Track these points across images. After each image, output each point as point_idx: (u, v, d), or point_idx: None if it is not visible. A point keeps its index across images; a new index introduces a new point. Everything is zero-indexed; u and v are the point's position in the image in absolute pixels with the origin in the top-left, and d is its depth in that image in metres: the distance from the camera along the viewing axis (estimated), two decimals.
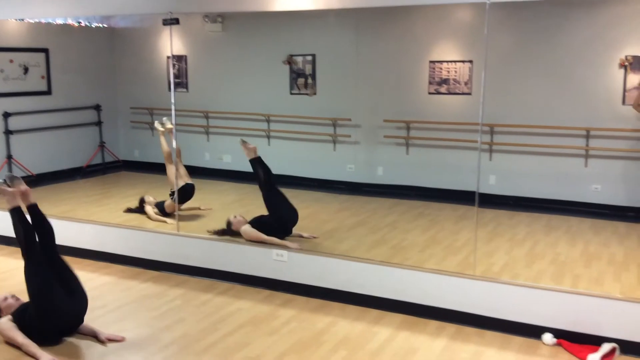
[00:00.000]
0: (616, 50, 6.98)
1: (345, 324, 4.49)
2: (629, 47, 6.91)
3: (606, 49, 7.02)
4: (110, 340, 4.16)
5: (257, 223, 5.76)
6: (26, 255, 4.15)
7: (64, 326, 4.12)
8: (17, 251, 6.11)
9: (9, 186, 4.34)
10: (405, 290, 4.69)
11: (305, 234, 5.96)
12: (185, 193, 6.70)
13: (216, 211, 7.03)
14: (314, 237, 5.94)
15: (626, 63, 6.93)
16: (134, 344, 4.15)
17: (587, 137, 7.23)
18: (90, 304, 4.35)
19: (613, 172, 7.17)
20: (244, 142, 6.18)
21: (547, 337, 4.19)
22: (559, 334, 4.19)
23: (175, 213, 6.20)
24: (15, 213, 4.25)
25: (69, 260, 5.85)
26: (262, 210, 5.96)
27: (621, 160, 7.13)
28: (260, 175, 5.98)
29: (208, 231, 5.91)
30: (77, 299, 4.13)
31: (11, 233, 6.32)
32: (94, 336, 4.18)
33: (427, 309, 4.60)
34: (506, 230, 6.36)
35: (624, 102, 7.01)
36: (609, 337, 4.06)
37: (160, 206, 6.79)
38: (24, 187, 4.35)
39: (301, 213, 6.50)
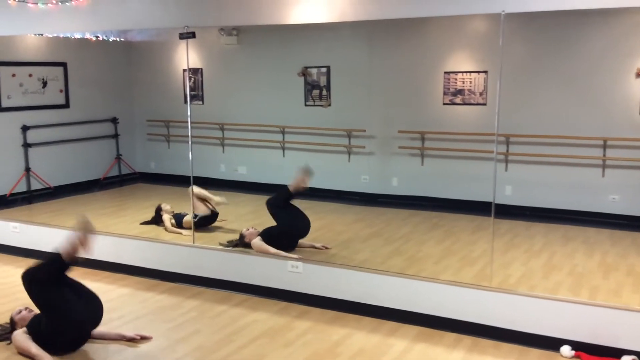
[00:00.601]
0: (633, 59, 6.93)
1: (360, 336, 4.47)
2: None
3: (623, 59, 6.98)
4: (141, 337, 4.30)
5: (266, 235, 5.79)
6: (30, 280, 4.01)
7: (79, 335, 4.15)
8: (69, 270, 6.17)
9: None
10: (421, 302, 4.67)
11: (317, 245, 5.97)
12: (209, 220, 6.76)
13: (231, 222, 7.06)
14: (327, 248, 5.94)
15: None
16: (150, 355, 4.16)
17: (604, 147, 7.17)
18: (107, 315, 4.38)
19: (631, 182, 7.10)
20: (305, 172, 6.12)
21: (566, 350, 4.14)
22: (577, 346, 4.14)
23: (192, 226, 6.23)
24: (61, 264, 3.99)
25: (87, 272, 5.94)
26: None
27: (639, 170, 7.06)
28: (280, 201, 5.96)
29: (220, 243, 5.94)
30: (92, 305, 4.14)
31: (28, 245, 6.43)
32: (122, 339, 4.28)
33: (443, 321, 4.57)
34: (523, 241, 6.32)
35: None
36: (629, 349, 4.00)
37: (178, 219, 6.83)
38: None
39: (316, 224, 6.50)
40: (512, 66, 7.27)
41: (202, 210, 6.70)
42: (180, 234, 6.59)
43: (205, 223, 6.73)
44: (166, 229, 6.75)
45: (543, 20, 7.23)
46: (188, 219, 6.70)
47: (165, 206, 7.00)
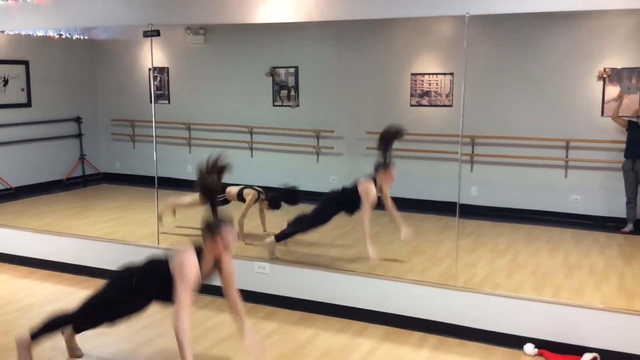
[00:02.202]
0: (595, 62, 7.08)
1: (327, 337, 4.46)
2: (607, 59, 7.02)
3: (585, 61, 7.12)
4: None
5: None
6: None
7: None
8: (30, 272, 5.99)
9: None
10: (388, 301, 4.68)
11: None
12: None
13: (196, 224, 6.94)
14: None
15: (605, 75, 7.04)
16: (113, 359, 4.09)
17: (567, 148, 7.31)
18: None
19: (593, 182, 7.25)
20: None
21: (529, 348, 4.20)
22: (540, 344, 4.20)
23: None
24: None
25: (48, 274, 5.81)
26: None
27: (601, 171, 7.22)
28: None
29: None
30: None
31: (25, 253, 6.19)
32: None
33: (410, 320, 4.59)
34: (488, 241, 6.39)
35: (602, 114, 7.11)
36: (590, 346, 4.08)
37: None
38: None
39: (283, 225, 6.49)
40: (478, 68, 7.35)
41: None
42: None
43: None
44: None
45: (507, 23, 7.34)
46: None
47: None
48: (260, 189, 6.27)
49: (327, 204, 5.68)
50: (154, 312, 4.91)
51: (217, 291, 5.27)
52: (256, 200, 6.19)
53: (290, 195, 6.12)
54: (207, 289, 5.29)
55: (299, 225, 5.65)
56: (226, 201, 6.29)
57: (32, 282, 5.65)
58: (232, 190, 6.31)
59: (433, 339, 4.43)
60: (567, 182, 7.37)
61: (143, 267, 3.69)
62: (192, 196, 6.39)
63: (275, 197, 6.15)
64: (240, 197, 6.23)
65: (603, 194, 7.20)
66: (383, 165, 5.49)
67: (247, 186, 6.30)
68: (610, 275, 5.31)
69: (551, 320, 4.20)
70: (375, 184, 5.47)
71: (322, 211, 5.65)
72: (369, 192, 5.38)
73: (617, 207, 7.05)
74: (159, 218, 6.30)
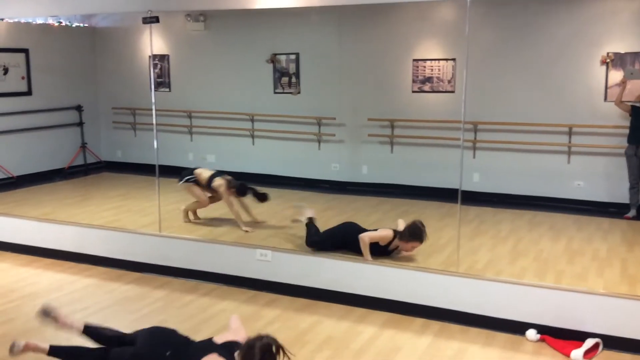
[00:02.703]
0: (598, 47, 7.02)
1: (329, 323, 4.46)
2: (610, 44, 6.96)
3: (588, 46, 7.06)
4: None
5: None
6: None
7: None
8: (32, 260, 5.96)
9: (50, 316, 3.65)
10: (390, 288, 4.68)
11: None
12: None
13: (199, 212, 6.95)
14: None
15: (608, 60, 6.98)
16: None
17: (570, 134, 7.27)
18: (72, 306, 4.29)
19: (595, 168, 7.22)
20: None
21: (531, 333, 4.20)
22: (542, 329, 4.20)
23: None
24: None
25: (51, 262, 5.82)
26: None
27: (603, 156, 7.18)
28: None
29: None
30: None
31: (26, 241, 6.17)
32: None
33: (412, 307, 4.59)
34: (490, 228, 6.38)
35: (605, 99, 7.06)
36: (593, 332, 4.08)
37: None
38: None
39: (285, 212, 6.49)
40: (480, 54, 7.30)
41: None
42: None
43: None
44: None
45: (509, 8, 7.28)
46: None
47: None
48: (229, 177, 6.38)
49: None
50: (156, 299, 4.92)
51: (218, 279, 5.29)
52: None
53: (260, 196, 6.34)
54: (208, 277, 5.31)
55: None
56: (197, 182, 6.40)
57: (34, 270, 5.66)
58: (203, 174, 6.43)
59: (435, 325, 4.43)
60: (570, 167, 7.34)
61: (181, 346, 3.50)
62: (197, 196, 6.47)
63: (242, 184, 6.29)
64: (209, 184, 6.34)
65: (606, 180, 7.17)
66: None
67: (217, 173, 6.41)
68: (613, 261, 5.29)
69: (553, 306, 4.20)
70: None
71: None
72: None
73: (620, 192, 7.02)
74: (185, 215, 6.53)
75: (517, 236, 6.06)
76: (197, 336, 4.19)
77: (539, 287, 4.32)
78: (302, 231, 5.84)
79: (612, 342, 4.02)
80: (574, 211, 7.03)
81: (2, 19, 8.31)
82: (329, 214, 6.97)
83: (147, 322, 4.45)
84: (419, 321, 4.49)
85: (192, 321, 4.49)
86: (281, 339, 4.19)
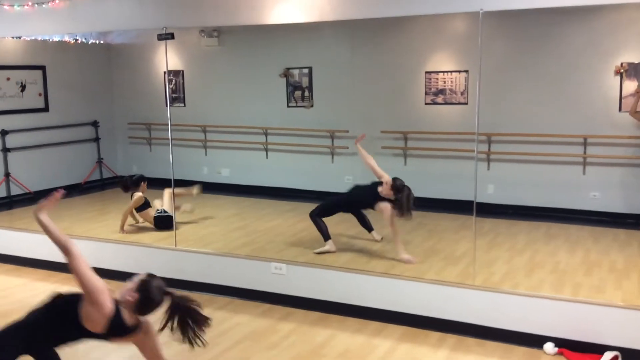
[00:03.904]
0: (612, 57, 6.99)
1: (345, 337, 4.45)
2: (624, 54, 6.93)
3: (602, 57, 7.03)
4: None
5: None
6: None
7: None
8: (17, 269, 6.10)
9: None
10: (406, 301, 4.66)
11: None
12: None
13: (214, 225, 7.00)
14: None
15: (622, 70, 6.94)
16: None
17: (585, 144, 7.22)
18: None
19: (611, 179, 7.16)
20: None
21: (549, 347, 4.16)
22: (560, 343, 4.16)
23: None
24: None
25: (66, 277, 5.85)
26: (259, 223, 5.91)
27: (619, 167, 7.12)
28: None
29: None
30: None
31: (7, 251, 6.32)
32: None
33: (428, 320, 4.57)
34: (505, 240, 6.34)
35: (620, 109, 7.02)
36: (611, 345, 4.03)
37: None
38: None
39: (299, 225, 6.50)
40: (493, 65, 7.29)
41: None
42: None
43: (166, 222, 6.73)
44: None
45: (522, 19, 7.27)
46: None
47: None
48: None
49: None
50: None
51: (233, 292, 5.30)
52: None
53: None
54: (222, 290, 5.32)
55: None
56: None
57: (50, 285, 5.71)
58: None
59: (452, 338, 4.40)
60: (586, 178, 7.28)
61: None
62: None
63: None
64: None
65: (622, 191, 7.10)
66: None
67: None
68: (630, 273, 5.23)
69: (571, 319, 4.16)
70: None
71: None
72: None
73: (636, 203, 6.95)
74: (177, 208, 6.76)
75: (533, 248, 6.02)
76: (213, 350, 4.20)
77: (557, 299, 4.29)
78: (317, 245, 5.85)
79: (631, 355, 3.97)
80: (590, 222, 6.97)
81: (20, 37, 8.45)
82: (343, 226, 6.97)
83: (163, 336, 4.46)
84: (435, 335, 4.47)
85: (207, 335, 4.48)
86: (297, 352, 4.21)
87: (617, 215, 7.08)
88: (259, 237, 6.39)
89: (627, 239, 6.32)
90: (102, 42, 9.98)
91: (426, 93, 7.99)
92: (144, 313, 3.06)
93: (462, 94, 7.78)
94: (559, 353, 4.12)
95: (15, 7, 6.20)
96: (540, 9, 4.91)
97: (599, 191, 7.22)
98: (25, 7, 6.14)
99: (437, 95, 7.93)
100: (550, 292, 4.69)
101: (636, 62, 6.89)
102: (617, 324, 4.05)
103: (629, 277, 5.14)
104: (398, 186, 5.47)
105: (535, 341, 4.22)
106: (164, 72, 9.46)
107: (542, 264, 5.52)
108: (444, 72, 7.85)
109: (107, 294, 3.01)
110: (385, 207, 5.55)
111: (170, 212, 6.61)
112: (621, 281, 5.03)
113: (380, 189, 5.62)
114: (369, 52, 8.20)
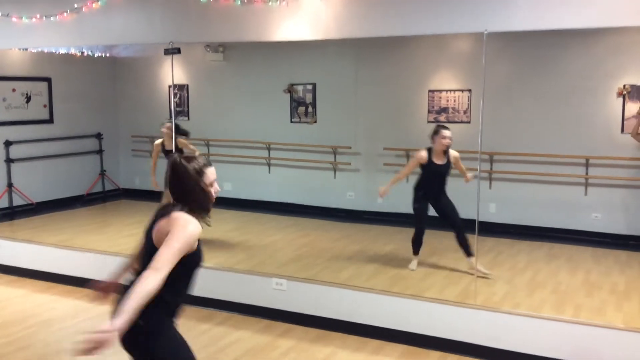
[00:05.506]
0: (614, 79, 7.02)
1: (345, 355, 4.44)
2: (626, 76, 6.96)
3: (604, 78, 7.07)
4: None
5: None
6: None
7: None
8: (17, 280, 6.11)
9: None
10: (406, 320, 4.65)
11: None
12: None
13: (215, 240, 6.99)
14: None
15: (624, 92, 6.98)
16: None
17: (587, 165, 7.24)
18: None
19: (613, 200, 7.16)
20: None
21: None
22: None
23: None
24: None
25: (68, 289, 5.86)
26: (261, 238, 5.92)
27: (621, 188, 7.13)
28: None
29: None
30: None
31: (9, 262, 6.32)
32: None
33: (428, 339, 4.55)
34: (507, 259, 6.33)
35: (622, 131, 7.04)
36: None
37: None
38: None
39: (301, 241, 6.49)
40: (496, 85, 7.33)
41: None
42: None
43: None
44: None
45: (526, 40, 7.31)
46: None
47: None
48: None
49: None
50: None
51: (233, 307, 5.29)
52: None
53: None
54: (223, 306, 5.31)
55: None
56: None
57: (51, 296, 5.70)
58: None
59: (452, 358, 4.39)
60: (587, 199, 7.29)
61: None
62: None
63: None
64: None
65: (624, 212, 7.10)
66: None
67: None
68: (631, 295, 5.22)
69: (571, 340, 4.14)
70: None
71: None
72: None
73: (638, 225, 6.95)
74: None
75: (534, 268, 6.01)
76: None
77: (557, 320, 4.27)
78: (318, 261, 5.84)
79: None
80: (592, 243, 6.96)
81: (26, 49, 8.51)
82: (344, 242, 6.97)
83: None
84: (436, 354, 4.45)
85: (206, 351, 4.48)
86: None
87: (619, 236, 7.07)
88: (259, 252, 6.39)
89: (628, 261, 6.31)
90: (107, 55, 10.05)
91: (429, 111, 8.03)
92: None
93: (464, 112, 7.81)
94: None
95: (24, 19, 6.25)
96: (543, 30, 4.95)
97: (600, 212, 7.22)
98: (34, 19, 6.20)
99: (439, 113, 7.96)
100: (551, 313, 4.68)
101: (638, 84, 6.93)
102: (617, 346, 4.03)
103: (630, 299, 5.13)
104: (435, 130, 5.98)
105: None
106: (169, 86, 9.51)
107: (544, 284, 5.51)
108: (447, 90, 7.89)
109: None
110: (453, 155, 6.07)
111: None
112: (622, 303, 5.02)
113: (432, 146, 6.00)
114: (373, 69, 8.25)
